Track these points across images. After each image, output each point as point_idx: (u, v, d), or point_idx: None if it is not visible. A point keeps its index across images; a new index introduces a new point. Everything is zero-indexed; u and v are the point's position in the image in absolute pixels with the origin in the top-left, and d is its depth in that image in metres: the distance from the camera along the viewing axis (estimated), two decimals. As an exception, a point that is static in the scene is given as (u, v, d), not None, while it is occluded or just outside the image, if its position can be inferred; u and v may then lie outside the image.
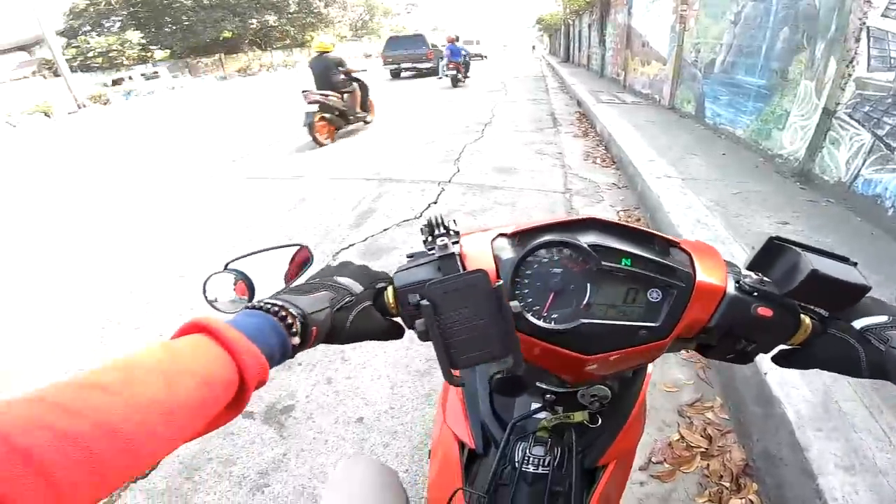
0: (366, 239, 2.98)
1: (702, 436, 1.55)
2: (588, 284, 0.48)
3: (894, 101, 2.68)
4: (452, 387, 0.65)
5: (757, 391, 1.52)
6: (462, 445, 0.63)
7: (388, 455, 1.47)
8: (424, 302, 0.41)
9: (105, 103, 18.26)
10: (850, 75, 3.08)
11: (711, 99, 5.50)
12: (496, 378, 0.54)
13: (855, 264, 0.45)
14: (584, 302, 0.48)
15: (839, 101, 3.14)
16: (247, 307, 0.41)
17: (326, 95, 5.60)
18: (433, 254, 0.47)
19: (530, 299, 0.48)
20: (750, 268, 0.50)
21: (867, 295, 0.44)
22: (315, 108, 5.38)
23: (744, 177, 3.45)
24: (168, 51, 26.56)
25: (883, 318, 0.44)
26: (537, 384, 0.57)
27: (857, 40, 3.03)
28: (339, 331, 0.45)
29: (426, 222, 0.51)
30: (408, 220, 3.20)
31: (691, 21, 6.27)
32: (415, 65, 15.79)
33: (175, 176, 5.09)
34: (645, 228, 0.50)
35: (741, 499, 1.34)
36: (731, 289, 0.48)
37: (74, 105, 16.88)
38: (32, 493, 0.23)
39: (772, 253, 0.48)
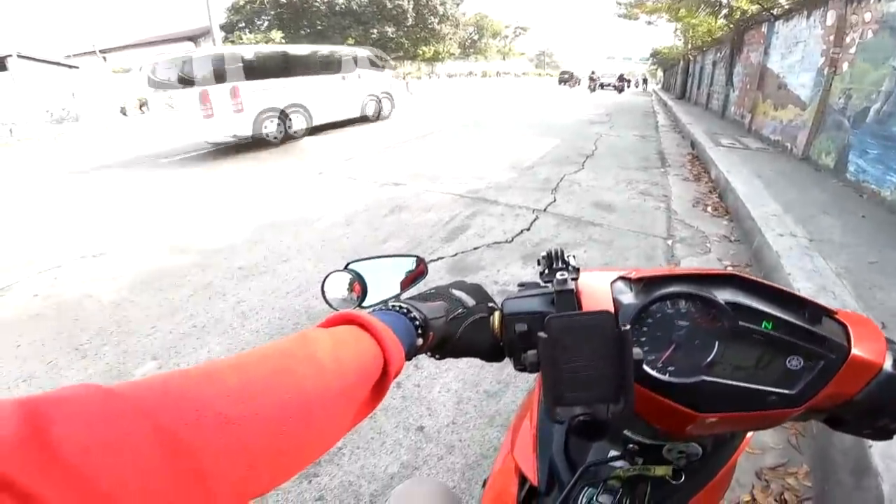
0: (456, 254, 3.06)
1: (776, 500, 1.45)
2: (716, 342, 0.45)
3: None
4: (526, 419, 0.63)
5: (855, 462, 1.37)
6: (523, 481, 0.60)
7: (441, 468, 1.48)
8: (542, 334, 0.40)
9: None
10: None
11: (858, 152, 4.85)
12: (578, 419, 0.48)
13: None
14: (709, 360, 0.45)
15: None
16: (379, 308, 0.45)
17: None
18: (548, 286, 0.46)
19: (647, 348, 0.46)
20: None
21: None
22: None
23: (883, 244, 2.99)
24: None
25: None
26: (623, 432, 0.54)
27: None
28: (449, 340, 0.47)
29: (545, 254, 0.49)
30: (498, 243, 3.24)
31: (844, 65, 5.65)
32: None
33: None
34: (796, 292, 0.47)
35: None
36: (888, 366, 0.44)
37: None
38: (175, 480, 0.20)
39: None
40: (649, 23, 17.56)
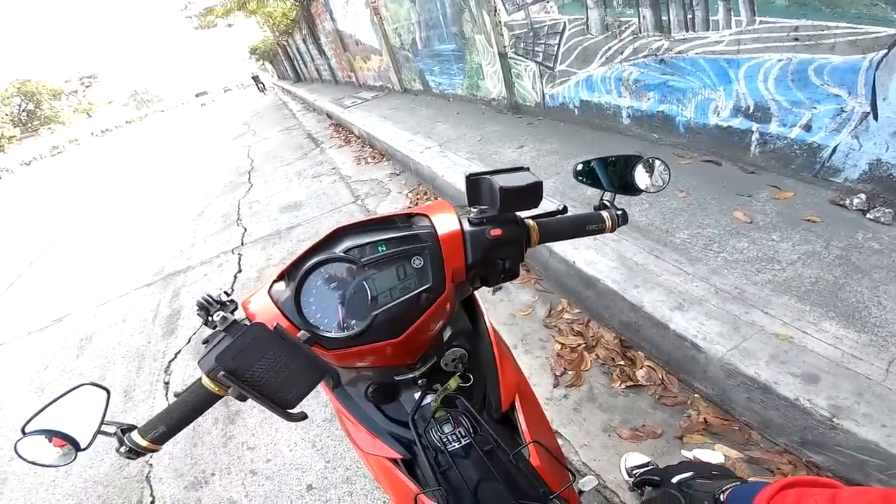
0: (189, 340, 2.62)
1: (573, 334, 1.68)
2: (364, 282, 0.52)
3: (534, 33, 3.49)
4: (348, 416, 0.64)
5: (580, 279, 1.74)
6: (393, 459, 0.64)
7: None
8: (222, 374, 0.43)
9: None
10: (500, 22, 3.84)
11: (428, 72, 6.20)
12: (370, 392, 0.58)
13: (527, 169, 0.57)
14: (370, 297, 0.52)
15: (504, 45, 3.95)
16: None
17: None
18: (219, 329, 0.48)
19: (326, 319, 0.52)
20: (470, 204, 0.60)
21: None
22: None
23: (479, 125, 4.15)
24: None
25: (689, 473, 0.61)
26: (404, 377, 0.60)
27: (491, -9, 3.70)
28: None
29: (198, 305, 0.50)
30: (224, 300, 2.91)
31: (383, 10, 6.75)
32: None
33: None
34: (384, 213, 0.57)
35: (642, 368, 1.45)
36: (466, 227, 0.57)
37: None
38: None
39: (476, 186, 0.59)
40: (230, 25, 17.43)
